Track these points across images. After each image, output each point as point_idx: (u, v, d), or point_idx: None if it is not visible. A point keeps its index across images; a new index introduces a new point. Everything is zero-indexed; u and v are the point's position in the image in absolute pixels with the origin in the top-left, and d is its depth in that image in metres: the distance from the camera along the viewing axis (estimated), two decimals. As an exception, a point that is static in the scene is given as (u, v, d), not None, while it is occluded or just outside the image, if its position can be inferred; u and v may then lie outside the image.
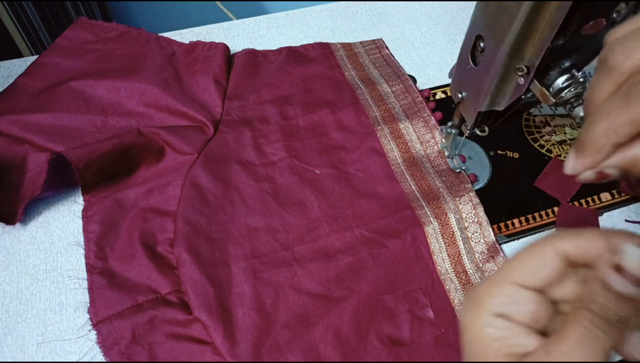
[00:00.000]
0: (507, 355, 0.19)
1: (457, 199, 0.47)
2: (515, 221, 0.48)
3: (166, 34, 0.63)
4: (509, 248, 0.46)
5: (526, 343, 0.19)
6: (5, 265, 0.43)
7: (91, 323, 0.39)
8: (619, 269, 0.17)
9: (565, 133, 0.55)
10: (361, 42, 0.64)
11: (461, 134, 0.46)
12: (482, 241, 0.45)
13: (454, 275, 0.43)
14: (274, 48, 0.62)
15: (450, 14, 0.70)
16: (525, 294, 0.19)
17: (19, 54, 0.92)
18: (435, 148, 0.52)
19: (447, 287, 0.43)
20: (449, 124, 0.48)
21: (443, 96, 0.59)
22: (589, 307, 0.18)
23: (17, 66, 0.60)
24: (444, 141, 0.51)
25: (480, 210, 0.46)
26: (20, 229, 0.46)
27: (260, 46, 0.63)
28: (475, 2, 0.36)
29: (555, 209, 0.49)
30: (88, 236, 0.44)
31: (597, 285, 0.18)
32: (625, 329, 0.17)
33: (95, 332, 0.39)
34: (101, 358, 0.38)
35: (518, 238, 0.47)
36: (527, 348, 0.19)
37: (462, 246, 0.44)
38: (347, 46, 0.63)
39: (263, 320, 0.40)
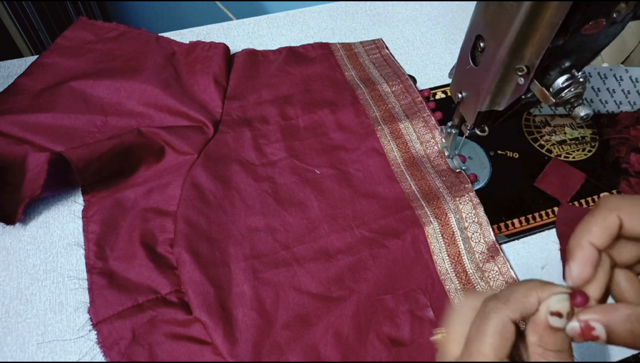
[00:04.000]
0: None
1: (457, 199, 0.47)
2: (515, 221, 0.48)
3: (166, 34, 0.63)
4: (509, 248, 0.46)
5: None
6: (5, 265, 0.43)
7: (91, 323, 0.39)
8: (553, 313, 0.22)
9: (565, 133, 0.55)
10: (361, 42, 0.64)
11: (461, 134, 0.46)
12: (482, 241, 0.45)
13: (454, 275, 0.43)
14: (274, 48, 0.62)
15: (450, 14, 0.70)
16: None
17: (19, 54, 0.92)
18: (435, 148, 0.52)
19: (447, 287, 0.43)
20: (449, 124, 0.48)
21: (443, 96, 0.59)
22: (545, 347, 0.23)
23: (17, 66, 0.60)
24: (444, 141, 0.51)
25: (481, 210, 0.46)
26: (20, 229, 0.46)
27: (260, 46, 0.63)
28: (475, 2, 0.36)
29: (555, 209, 0.49)
30: (88, 236, 0.44)
31: (542, 329, 0.23)
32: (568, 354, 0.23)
33: (95, 332, 0.39)
34: (101, 358, 0.38)
35: (518, 238, 0.47)
36: None
37: (462, 246, 0.44)
38: (347, 46, 0.63)
39: (263, 320, 0.40)
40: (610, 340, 0.22)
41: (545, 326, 0.22)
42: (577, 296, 0.23)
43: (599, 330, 0.22)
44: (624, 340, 0.22)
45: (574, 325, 0.23)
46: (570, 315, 0.22)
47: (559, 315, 0.22)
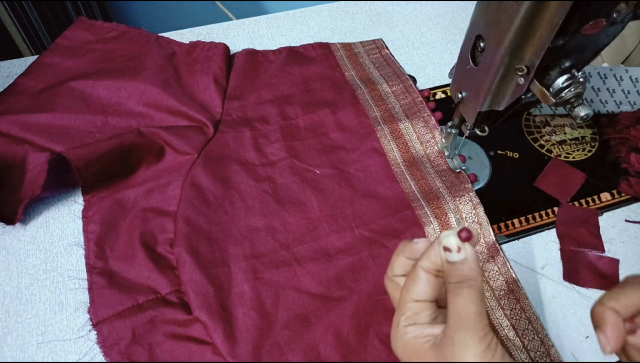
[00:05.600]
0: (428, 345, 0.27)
1: (457, 199, 0.47)
2: (515, 221, 0.48)
3: (166, 34, 0.63)
4: (509, 248, 0.46)
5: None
6: (5, 265, 0.43)
7: (91, 323, 0.39)
8: (446, 249, 0.28)
9: (565, 133, 0.55)
10: (361, 42, 0.64)
11: (461, 134, 0.46)
12: (482, 241, 0.45)
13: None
14: (274, 48, 0.62)
15: (450, 14, 0.70)
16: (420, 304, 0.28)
17: (19, 54, 0.92)
18: (435, 148, 0.52)
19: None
20: (449, 124, 0.48)
21: (443, 96, 0.59)
22: (448, 280, 0.27)
23: (17, 66, 0.60)
24: (444, 141, 0.51)
25: (480, 210, 0.46)
26: (20, 229, 0.46)
27: (260, 46, 0.63)
28: (475, 2, 0.36)
29: (555, 209, 0.49)
30: (88, 236, 0.44)
31: (445, 265, 0.27)
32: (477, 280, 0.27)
33: (95, 332, 0.39)
34: (101, 358, 0.38)
35: (518, 238, 0.47)
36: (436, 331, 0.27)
37: (462, 246, 0.44)
38: (347, 46, 0.63)
39: (263, 320, 0.40)
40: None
41: (444, 261, 0.28)
42: (462, 233, 0.27)
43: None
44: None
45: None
46: (460, 249, 0.27)
47: (448, 250, 0.27)
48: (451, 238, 0.27)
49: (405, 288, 0.28)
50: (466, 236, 0.27)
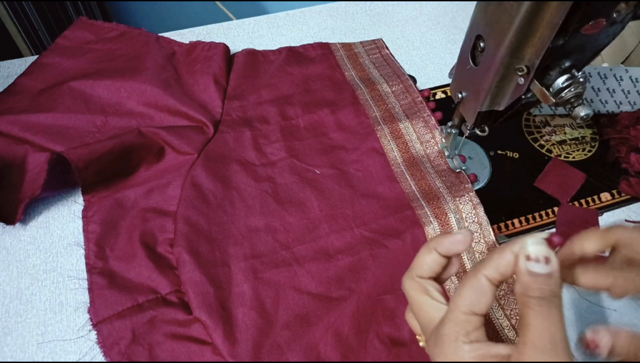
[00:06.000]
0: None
1: (457, 199, 0.47)
2: (515, 221, 0.48)
3: (166, 34, 0.63)
4: (509, 248, 0.46)
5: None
6: (5, 265, 0.43)
7: (91, 323, 0.39)
8: (529, 258, 0.23)
9: (565, 133, 0.55)
10: (361, 42, 0.64)
11: (461, 134, 0.46)
12: (482, 241, 0.45)
13: (454, 275, 0.43)
14: (274, 48, 0.62)
15: (450, 14, 0.70)
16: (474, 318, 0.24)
17: (19, 54, 0.92)
18: (435, 148, 0.52)
19: (447, 287, 0.43)
20: (449, 124, 0.48)
21: (443, 96, 0.59)
22: (528, 294, 0.22)
23: (17, 66, 0.60)
24: (444, 141, 0.51)
25: (480, 210, 0.46)
26: (20, 229, 0.46)
27: (260, 46, 0.63)
28: (475, 2, 0.36)
29: (555, 209, 0.49)
30: (88, 236, 0.44)
31: (525, 277, 0.23)
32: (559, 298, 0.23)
33: (95, 332, 0.39)
34: (101, 358, 0.38)
35: (518, 238, 0.47)
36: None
37: (462, 246, 0.44)
38: (347, 46, 0.63)
39: (263, 320, 0.40)
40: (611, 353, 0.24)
41: (524, 272, 0.23)
42: (553, 238, 0.23)
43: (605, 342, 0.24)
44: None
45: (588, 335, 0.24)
46: (549, 260, 0.23)
47: (535, 260, 0.23)
48: (540, 246, 0.23)
49: (461, 297, 0.24)
50: (559, 241, 0.23)
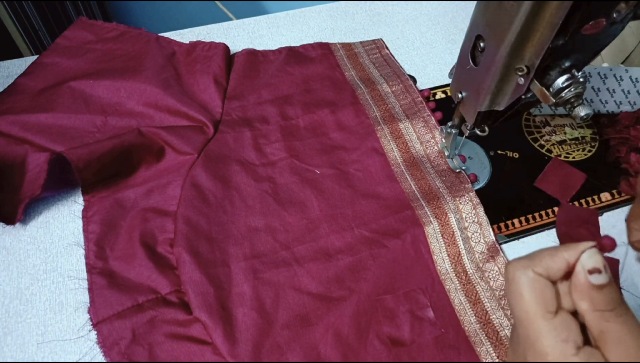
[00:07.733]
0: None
1: (457, 199, 0.47)
2: (515, 221, 0.48)
3: (166, 34, 0.63)
4: (509, 248, 0.46)
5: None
6: (5, 265, 0.43)
7: (91, 323, 0.39)
8: (592, 271, 0.22)
9: (565, 133, 0.55)
10: (361, 42, 0.64)
11: (461, 134, 0.46)
12: (482, 241, 0.45)
13: (454, 275, 0.43)
14: (274, 48, 0.62)
15: (450, 14, 0.70)
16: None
17: (19, 54, 0.92)
18: (435, 148, 0.52)
19: (447, 287, 0.43)
20: (449, 124, 0.48)
21: (443, 96, 0.59)
22: (602, 309, 0.22)
23: (17, 66, 0.60)
24: (444, 141, 0.51)
25: (480, 210, 0.46)
26: (20, 229, 0.46)
27: (260, 46, 0.63)
28: (475, 2, 0.36)
29: (555, 209, 0.49)
30: (88, 236, 0.44)
31: (592, 293, 0.22)
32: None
33: (95, 332, 0.39)
34: (101, 358, 0.38)
35: (518, 238, 0.47)
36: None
37: (462, 246, 0.44)
38: (347, 46, 0.63)
39: (263, 320, 0.40)
40: None
41: (589, 287, 0.22)
42: (605, 242, 0.23)
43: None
44: None
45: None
46: (606, 267, 0.22)
47: (597, 271, 0.22)
48: (596, 256, 0.22)
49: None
50: (611, 243, 0.23)
